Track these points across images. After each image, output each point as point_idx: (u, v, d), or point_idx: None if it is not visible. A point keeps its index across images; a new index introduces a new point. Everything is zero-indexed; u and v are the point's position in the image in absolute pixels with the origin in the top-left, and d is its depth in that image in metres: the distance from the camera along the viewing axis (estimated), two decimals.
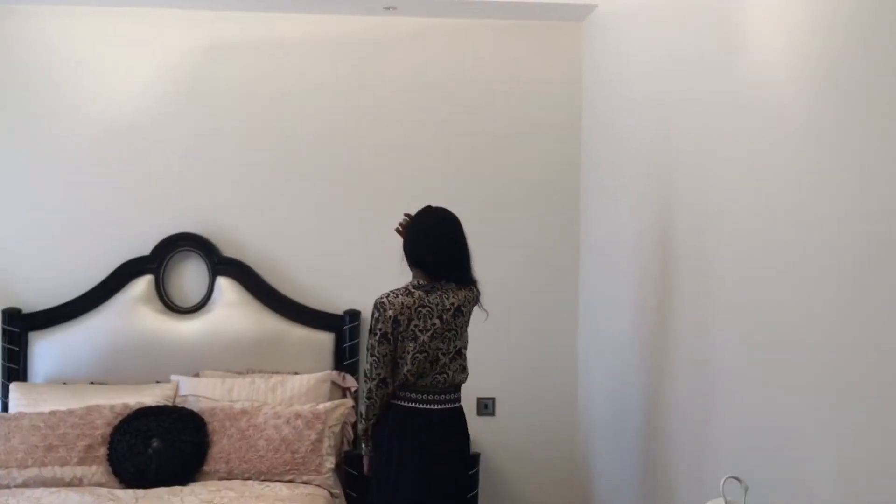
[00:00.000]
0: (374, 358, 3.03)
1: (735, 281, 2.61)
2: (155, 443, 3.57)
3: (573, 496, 4.35)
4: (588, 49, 4.24)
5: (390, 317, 3.01)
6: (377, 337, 3.03)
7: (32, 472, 3.51)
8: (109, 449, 3.59)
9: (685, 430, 2.98)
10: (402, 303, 3.03)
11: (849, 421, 2.00)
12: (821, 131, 2.15)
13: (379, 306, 3.04)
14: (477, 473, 3.97)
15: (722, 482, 2.26)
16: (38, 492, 3.40)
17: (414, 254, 3.12)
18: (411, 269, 3.15)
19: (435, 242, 3.12)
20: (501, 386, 4.35)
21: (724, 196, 2.68)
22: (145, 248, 4.14)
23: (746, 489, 2.25)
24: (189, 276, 4.21)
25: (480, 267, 4.27)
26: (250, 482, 3.56)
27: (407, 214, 3.23)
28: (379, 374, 3.03)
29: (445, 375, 3.09)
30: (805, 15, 2.23)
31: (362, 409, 3.13)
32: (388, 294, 3.06)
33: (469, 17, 4.27)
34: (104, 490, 3.46)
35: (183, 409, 3.75)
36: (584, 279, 4.29)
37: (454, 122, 4.32)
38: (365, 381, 3.10)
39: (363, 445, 3.21)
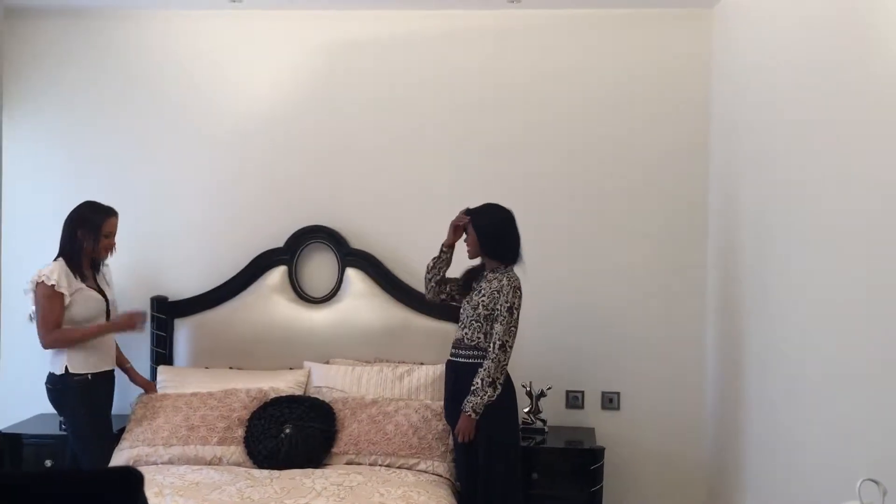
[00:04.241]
0: (514, 330, 3.46)
1: (870, 280, 2.49)
2: (287, 429, 3.72)
3: (699, 493, 4.25)
4: (718, 37, 4.11)
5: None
6: (517, 313, 3.47)
7: (177, 450, 3.72)
8: (246, 431, 3.78)
9: (818, 429, 2.86)
10: None
11: None
12: None
13: (519, 287, 3.51)
14: (601, 468, 3.94)
15: (858, 484, 2.16)
16: (182, 469, 3.60)
17: (516, 246, 3.57)
18: (498, 258, 3.56)
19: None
20: (627, 380, 4.30)
21: (858, 195, 2.56)
22: (279, 240, 4.32)
23: (885, 492, 2.15)
24: (320, 267, 4.36)
25: (607, 260, 4.27)
26: (377, 468, 3.66)
27: (466, 211, 3.61)
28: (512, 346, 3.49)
29: None
30: None
31: (498, 375, 3.44)
32: (517, 278, 3.52)
33: (593, 7, 4.22)
34: (242, 469, 3.64)
35: (314, 398, 3.89)
36: (712, 271, 4.18)
37: (577, 113, 4.28)
38: (505, 352, 3.45)
39: (476, 412, 3.44)
